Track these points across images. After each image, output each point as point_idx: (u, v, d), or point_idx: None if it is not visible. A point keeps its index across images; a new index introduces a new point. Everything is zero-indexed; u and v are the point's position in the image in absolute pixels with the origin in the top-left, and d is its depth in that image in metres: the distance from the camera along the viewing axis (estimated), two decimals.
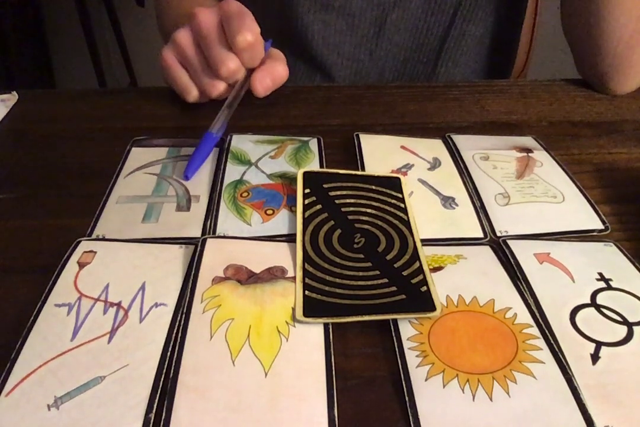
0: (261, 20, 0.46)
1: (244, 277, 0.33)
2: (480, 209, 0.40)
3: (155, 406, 0.26)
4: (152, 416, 0.25)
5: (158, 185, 0.41)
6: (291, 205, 0.39)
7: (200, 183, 0.42)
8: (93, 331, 0.29)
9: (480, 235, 0.38)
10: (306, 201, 0.38)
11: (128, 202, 0.39)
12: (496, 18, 0.65)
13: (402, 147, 0.46)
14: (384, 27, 0.63)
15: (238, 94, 0.48)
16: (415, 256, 0.34)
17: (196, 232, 0.37)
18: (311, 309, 0.31)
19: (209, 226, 0.37)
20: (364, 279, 0.33)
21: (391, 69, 0.68)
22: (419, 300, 0.31)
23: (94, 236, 0.36)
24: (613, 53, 0.54)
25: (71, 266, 0.33)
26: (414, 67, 0.68)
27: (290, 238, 0.36)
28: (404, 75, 0.69)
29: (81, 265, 0.33)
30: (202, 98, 0.50)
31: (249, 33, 0.44)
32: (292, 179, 0.41)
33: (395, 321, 0.30)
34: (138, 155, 0.45)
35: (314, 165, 0.44)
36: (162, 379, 0.27)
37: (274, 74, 0.48)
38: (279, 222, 0.37)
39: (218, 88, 0.48)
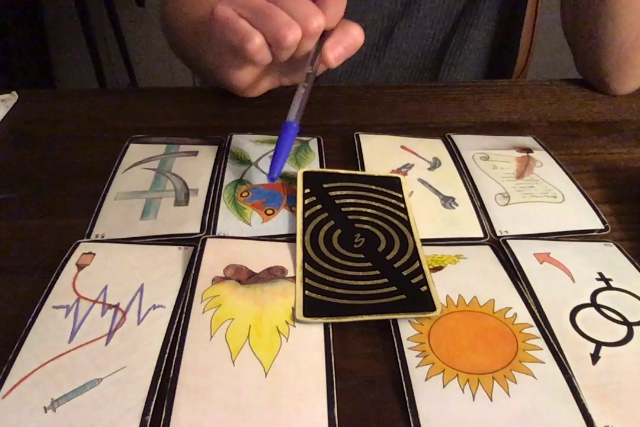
0: None
1: (244, 277, 0.33)
2: (480, 209, 0.40)
3: (152, 408, 0.26)
4: (149, 418, 0.25)
5: (156, 180, 0.41)
6: (291, 205, 0.39)
7: (198, 176, 0.42)
8: (91, 332, 0.29)
9: (480, 235, 0.38)
10: (306, 201, 0.38)
11: (126, 198, 0.39)
12: (498, 21, 0.66)
13: (402, 147, 0.46)
14: (392, 36, 0.64)
15: (313, 71, 0.38)
16: (415, 256, 0.34)
17: (195, 228, 0.37)
18: (311, 309, 0.31)
19: (208, 222, 0.37)
20: (364, 279, 0.33)
21: (396, 76, 0.69)
22: (419, 300, 0.31)
23: (93, 235, 0.36)
24: (617, 53, 0.54)
25: (70, 268, 0.33)
26: (419, 73, 0.69)
27: (290, 238, 0.36)
28: (408, 81, 0.69)
29: (80, 267, 0.33)
30: (262, 55, 0.39)
31: None
32: (292, 179, 0.41)
33: (395, 321, 0.30)
34: (136, 151, 0.45)
35: (314, 165, 0.44)
36: (159, 381, 0.27)
37: (347, 39, 0.38)
38: (279, 222, 0.37)
39: (295, 32, 0.37)
